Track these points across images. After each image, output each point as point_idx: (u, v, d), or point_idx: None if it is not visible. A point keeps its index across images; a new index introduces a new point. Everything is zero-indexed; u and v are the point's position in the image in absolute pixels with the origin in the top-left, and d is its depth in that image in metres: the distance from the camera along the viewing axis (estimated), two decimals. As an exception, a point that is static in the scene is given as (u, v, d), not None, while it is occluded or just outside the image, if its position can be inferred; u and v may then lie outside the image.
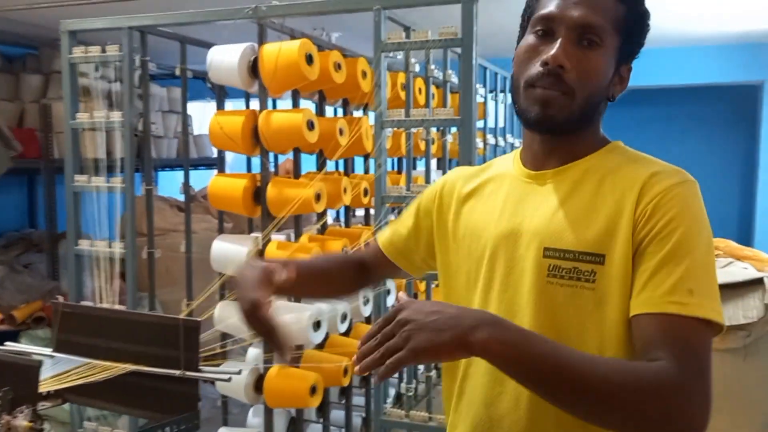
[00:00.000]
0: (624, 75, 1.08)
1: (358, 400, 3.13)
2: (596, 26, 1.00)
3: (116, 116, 2.68)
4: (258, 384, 2.58)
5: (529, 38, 1.06)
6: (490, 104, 3.98)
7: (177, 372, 1.47)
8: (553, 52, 1.00)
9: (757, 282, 2.55)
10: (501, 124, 4.23)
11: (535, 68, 1.02)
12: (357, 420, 3.10)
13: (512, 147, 4.36)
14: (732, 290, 2.51)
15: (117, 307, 2.64)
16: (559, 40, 1.01)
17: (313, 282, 1.29)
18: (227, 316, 2.59)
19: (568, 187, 1.05)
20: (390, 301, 3.07)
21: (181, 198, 3.21)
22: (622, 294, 0.97)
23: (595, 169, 1.06)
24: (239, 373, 1.53)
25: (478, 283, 1.12)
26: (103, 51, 2.70)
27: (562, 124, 1.03)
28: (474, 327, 0.85)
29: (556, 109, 1.01)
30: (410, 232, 1.29)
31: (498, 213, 1.11)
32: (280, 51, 2.35)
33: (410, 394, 2.67)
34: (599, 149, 1.09)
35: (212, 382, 1.85)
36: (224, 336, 2.76)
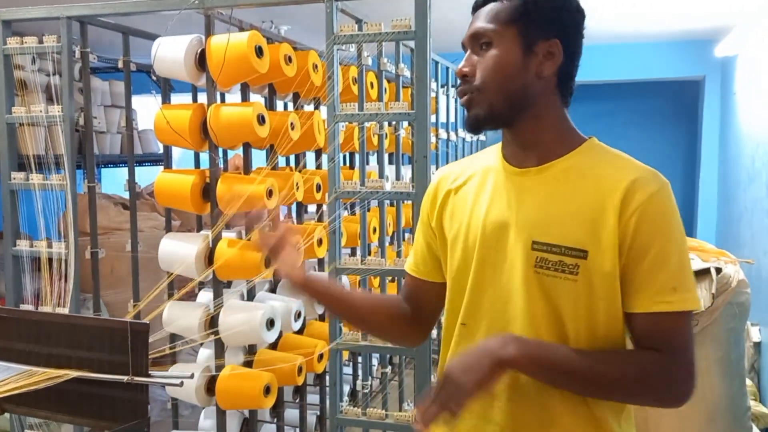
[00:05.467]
0: (551, 50, 1.14)
1: (313, 398, 3.09)
2: (480, 31, 1.15)
3: (55, 110, 2.57)
4: (210, 386, 2.51)
5: None
6: (442, 99, 3.98)
7: (125, 378, 1.41)
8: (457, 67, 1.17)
9: (704, 272, 2.61)
10: (452, 119, 4.24)
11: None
12: (312, 418, 3.06)
13: (463, 141, 4.37)
14: (680, 281, 2.56)
15: (60, 309, 2.53)
16: (465, 54, 1.18)
17: (336, 298, 1.36)
18: (176, 317, 2.52)
19: (552, 185, 1.15)
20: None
21: (126, 195, 3.11)
22: (607, 287, 1.10)
23: (576, 168, 1.16)
24: (192, 377, 1.47)
25: (469, 271, 1.20)
26: (40, 42, 2.58)
27: (488, 117, 1.15)
28: (502, 346, 1.06)
29: (476, 107, 1.15)
30: (430, 243, 1.33)
31: (487, 205, 1.20)
32: (228, 43, 2.29)
33: (366, 390, 2.65)
34: (577, 147, 1.18)
35: (162, 385, 1.79)
36: (174, 337, 2.69)
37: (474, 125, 1.17)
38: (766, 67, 3.97)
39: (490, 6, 1.16)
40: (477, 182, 1.25)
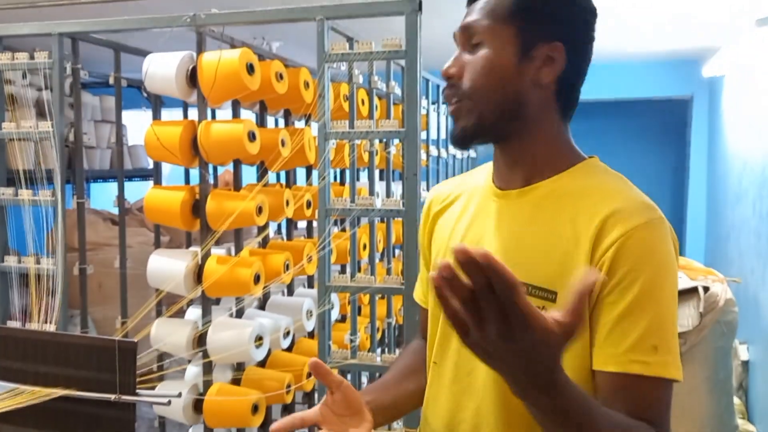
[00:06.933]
0: (551, 54, 0.98)
1: (301, 416, 3.07)
2: (472, 26, 1.00)
3: (46, 126, 2.57)
4: (197, 403, 2.49)
5: None
6: (432, 116, 4.00)
7: (112, 396, 1.40)
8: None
9: (692, 291, 2.63)
10: (443, 136, 4.26)
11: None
12: (300, 437, 3.04)
13: (454, 159, 4.39)
14: (668, 299, 2.57)
15: (47, 326, 2.51)
16: (455, 52, 1.03)
17: (407, 402, 1.19)
18: (165, 334, 2.50)
19: (529, 211, 1.01)
20: (334, 315, 3.03)
21: (115, 211, 3.10)
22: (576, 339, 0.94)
23: (558, 192, 1.00)
24: (179, 395, 1.46)
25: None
26: (32, 57, 2.58)
27: (477, 130, 1.00)
28: (556, 367, 0.75)
29: (464, 118, 1.00)
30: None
31: (464, 231, 1.09)
32: (220, 60, 2.30)
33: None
34: (568, 168, 1.02)
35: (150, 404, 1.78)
36: (162, 355, 2.67)
37: (461, 139, 1.01)
38: (752, 87, 4.02)
39: None
40: (461, 204, 1.12)
